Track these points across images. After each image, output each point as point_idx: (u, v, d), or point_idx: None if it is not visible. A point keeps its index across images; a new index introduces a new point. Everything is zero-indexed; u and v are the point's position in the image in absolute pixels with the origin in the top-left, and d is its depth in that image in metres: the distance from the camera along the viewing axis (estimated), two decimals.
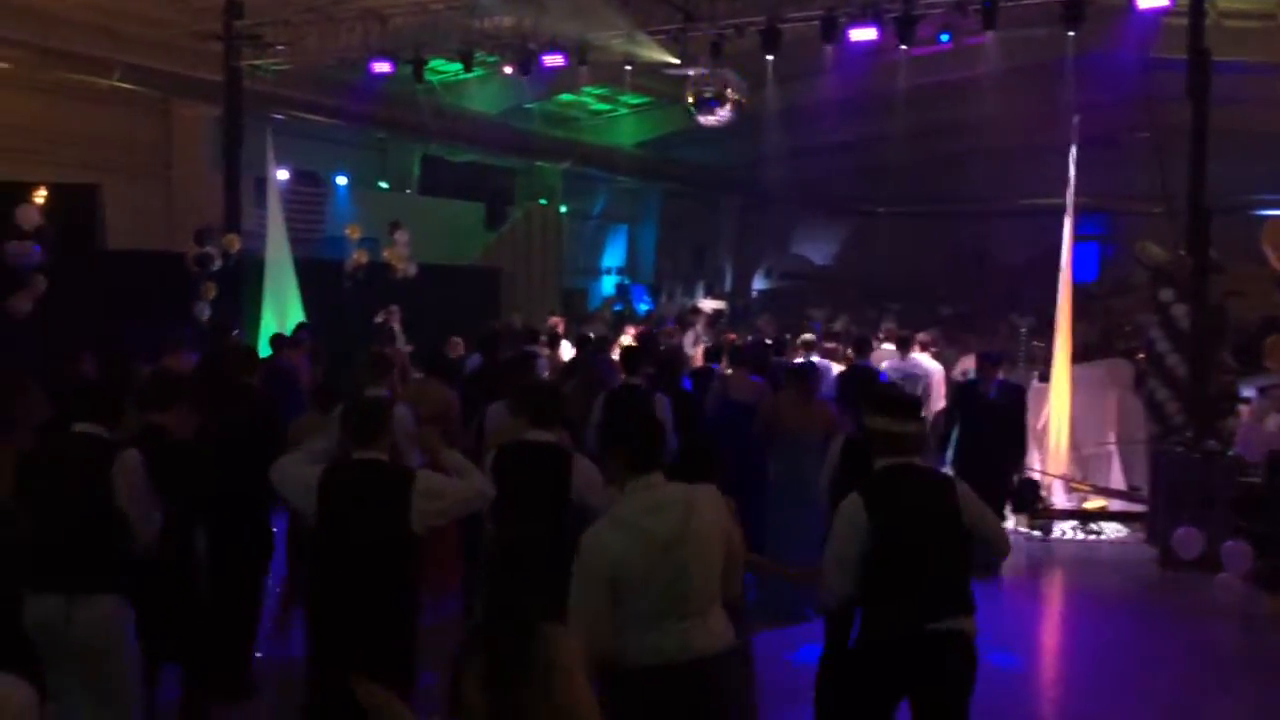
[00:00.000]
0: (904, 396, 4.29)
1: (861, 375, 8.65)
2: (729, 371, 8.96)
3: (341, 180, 18.10)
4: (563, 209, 22.31)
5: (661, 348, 9.12)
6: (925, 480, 4.08)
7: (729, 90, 12.50)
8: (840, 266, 28.11)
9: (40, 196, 10.47)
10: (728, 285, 27.67)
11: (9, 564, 3.15)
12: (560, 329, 13.16)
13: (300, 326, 10.88)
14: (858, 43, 11.22)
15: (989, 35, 11.25)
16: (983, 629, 4.04)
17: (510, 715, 2.69)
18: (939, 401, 10.52)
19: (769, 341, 11.03)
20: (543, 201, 21.63)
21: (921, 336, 11.65)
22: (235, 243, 12.26)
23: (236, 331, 10.64)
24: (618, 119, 22.28)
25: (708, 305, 22.17)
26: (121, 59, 13.88)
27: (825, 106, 17.84)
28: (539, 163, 21.90)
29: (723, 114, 12.59)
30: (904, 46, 11.24)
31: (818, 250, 29.03)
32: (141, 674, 4.26)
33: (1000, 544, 4.23)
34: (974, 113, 17.19)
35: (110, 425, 4.30)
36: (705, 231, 27.76)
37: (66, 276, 10.29)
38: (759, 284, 28.58)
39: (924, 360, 10.93)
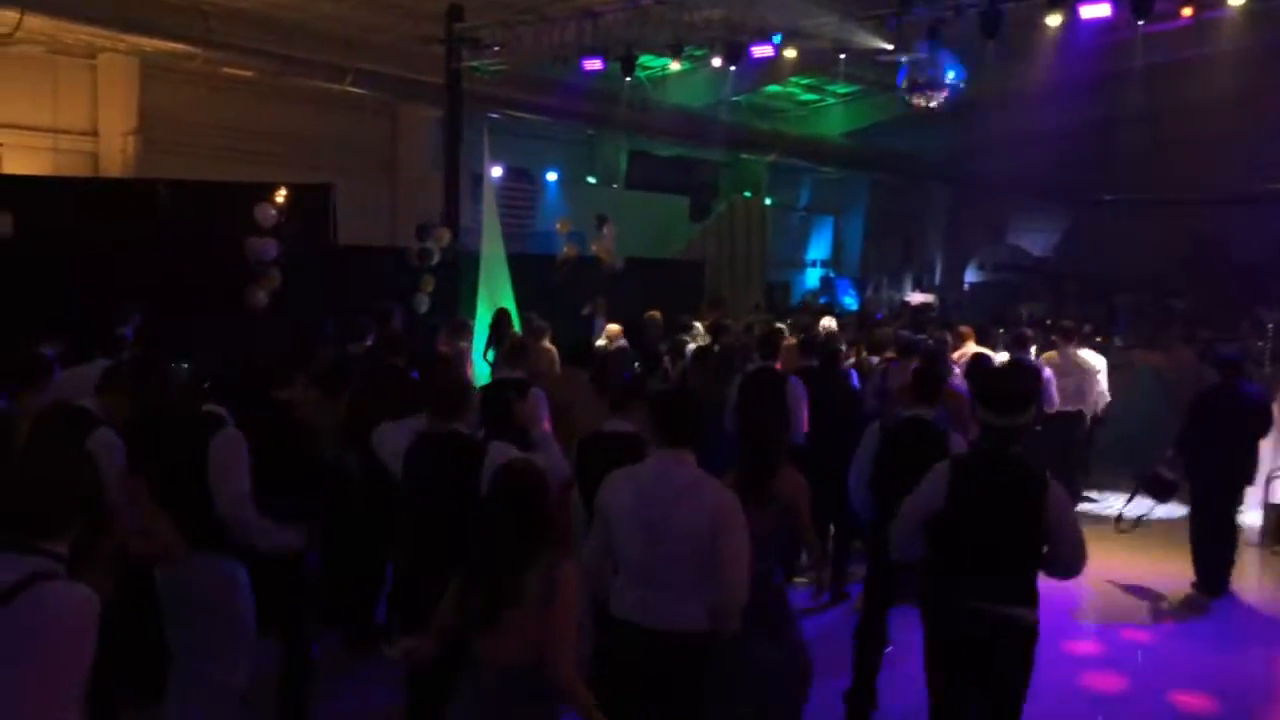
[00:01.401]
0: (1005, 391, 4.25)
1: (978, 366, 8.24)
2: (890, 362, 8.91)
3: (551, 176, 18.56)
4: (767, 201, 22.12)
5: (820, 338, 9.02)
6: (1014, 469, 4.09)
7: (945, 75, 12.04)
8: (1061, 258, 26.67)
9: (280, 196, 11.19)
10: (937, 278, 26.76)
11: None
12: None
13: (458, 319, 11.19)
14: (1087, 21, 10.56)
15: (1232, 7, 10.36)
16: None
17: (505, 626, 3.07)
18: (1094, 398, 10.10)
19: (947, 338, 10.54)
20: (747, 194, 21.52)
21: (1085, 329, 11.11)
22: (445, 236, 12.75)
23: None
24: (824, 109, 21.89)
25: (916, 298, 21.50)
26: (353, 65, 14.70)
27: (1046, 90, 16.91)
28: (744, 155, 21.79)
29: (938, 99, 12.13)
30: (1140, 22, 10.48)
31: (1035, 241, 27.65)
32: (253, 633, 4.50)
33: (1069, 562, 4.10)
34: (1213, 93, 15.92)
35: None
36: (914, 223, 26.91)
37: (300, 270, 10.97)
38: (971, 277, 27.49)
39: (1085, 355, 10.30)
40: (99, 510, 2.80)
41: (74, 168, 14.32)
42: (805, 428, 7.04)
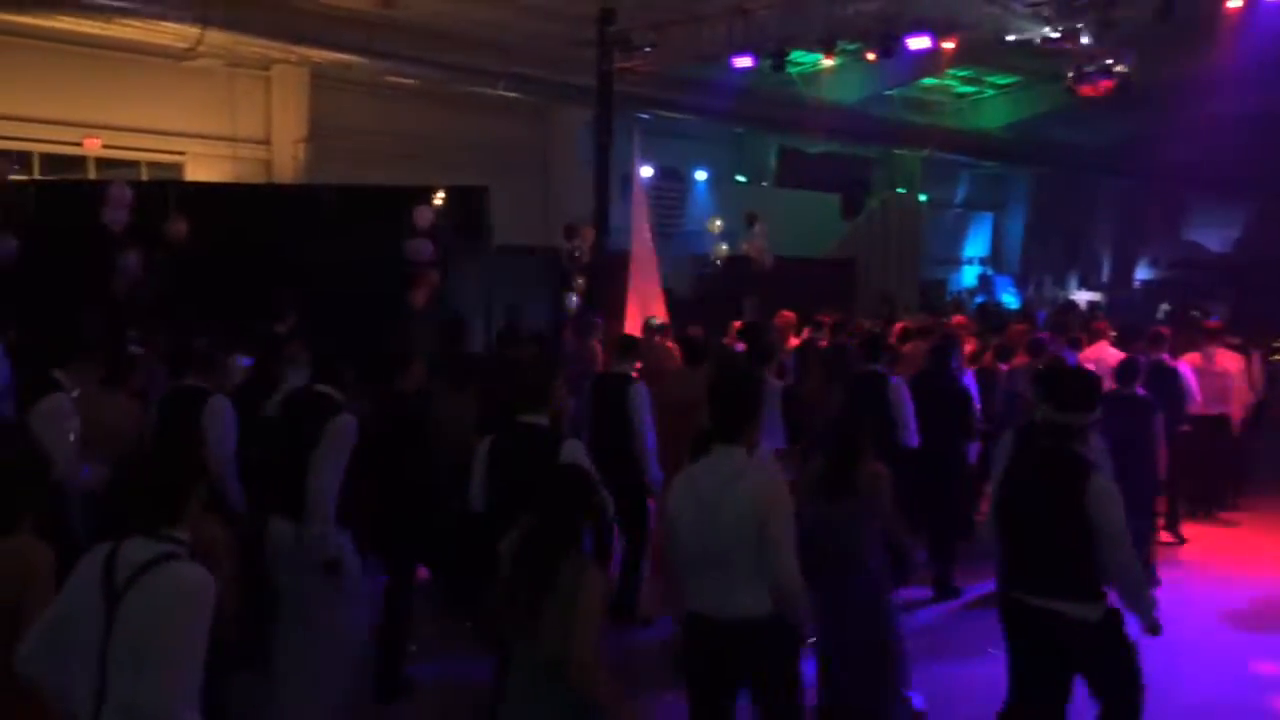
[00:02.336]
0: (1064, 389, 4.24)
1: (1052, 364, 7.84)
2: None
3: (701, 175, 18.54)
4: (922, 197, 21.56)
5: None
6: (1063, 462, 4.06)
7: (1114, 63, 11.45)
8: (1243, 253, 25.04)
9: (439, 198, 11.53)
10: (1105, 275, 25.53)
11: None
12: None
13: (585, 311, 11.27)
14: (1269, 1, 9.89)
15: None
16: None
17: (534, 619, 3.21)
18: (1231, 403, 9.44)
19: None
20: (901, 190, 21.02)
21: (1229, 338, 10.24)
22: (590, 236, 12.88)
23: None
24: (983, 101, 21.19)
25: (1082, 297, 20.56)
26: (507, 70, 15.04)
27: (1226, 75, 15.90)
28: (898, 150, 21.29)
29: (1106, 88, 11.54)
30: None
31: (1214, 236, 26.05)
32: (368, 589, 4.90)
33: (1109, 558, 3.96)
34: None
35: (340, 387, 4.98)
36: (1080, 218, 25.73)
37: (457, 271, 11.27)
38: (1142, 274, 26.12)
39: (1227, 355, 9.61)
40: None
41: (250, 175, 15.14)
42: (913, 429, 6.92)
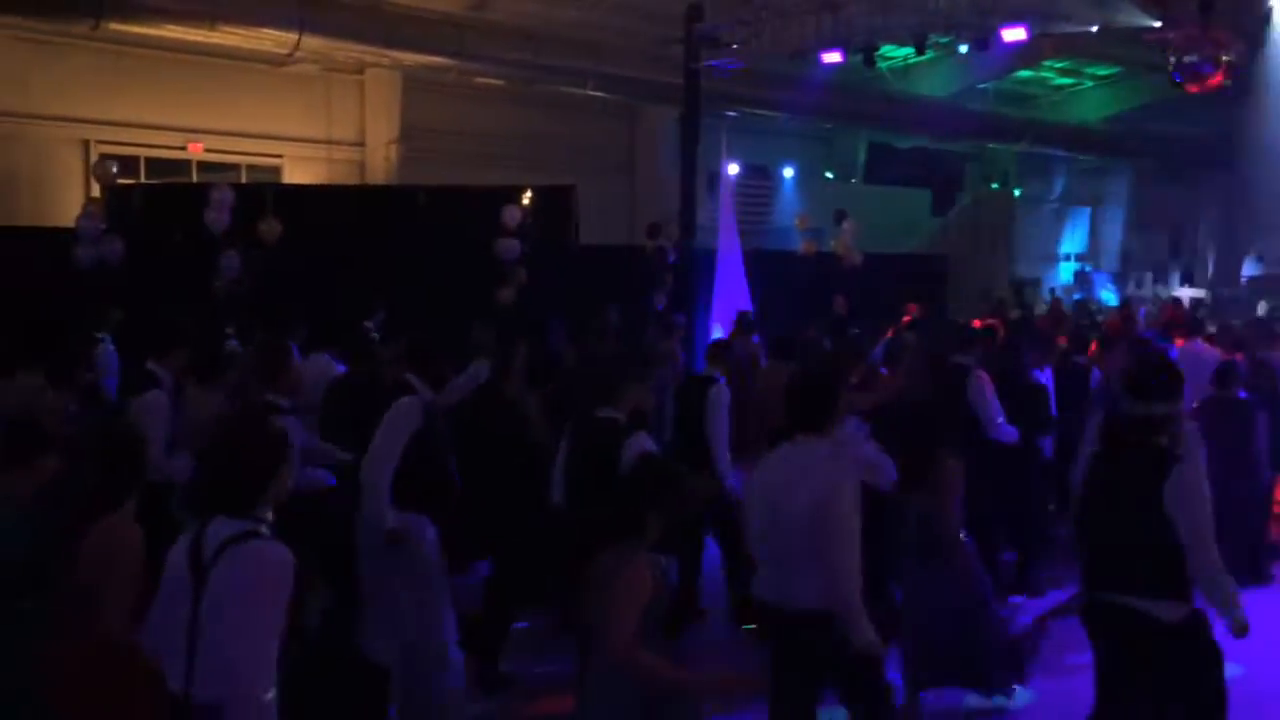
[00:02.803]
0: (1149, 378, 4.07)
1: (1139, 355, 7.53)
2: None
3: (788, 172, 18.39)
4: (1016, 192, 21.07)
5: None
6: (1145, 455, 3.90)
7: (1220, 52, 11.02)
8: None
9: (526, 198, 11.64)
10: (1209, 272, 24.61)
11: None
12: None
13: (668, 311, 11.23)
14: None
15: None
16: None
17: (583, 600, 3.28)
18: None
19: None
20: (994, 185, 20.57)
21: None
22: (675, 233, 12.87)
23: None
24: (1081, 93, 20.63)
25: (1184, 294, 19.88)
26: (594, 69, 15.12)
27: None
28: (991, 145, 20.84)
29: (1214, 85, 11.12)
30: None
31: None
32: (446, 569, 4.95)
33: (1193, 547, 3.77)
34: None
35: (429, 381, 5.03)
36: (1182, 212, 24.85)
37: (544, 269, 11.36)
38: (1250, 270, 25.10)
39: None
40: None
41: (344, 176, 15.49)
42: (999, 424, 6.72)
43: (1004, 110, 19.86)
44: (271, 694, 2.90)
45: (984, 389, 6.79)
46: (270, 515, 3.04)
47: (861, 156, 20.47)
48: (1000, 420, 6.70)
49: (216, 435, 3.14)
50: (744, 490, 4.15)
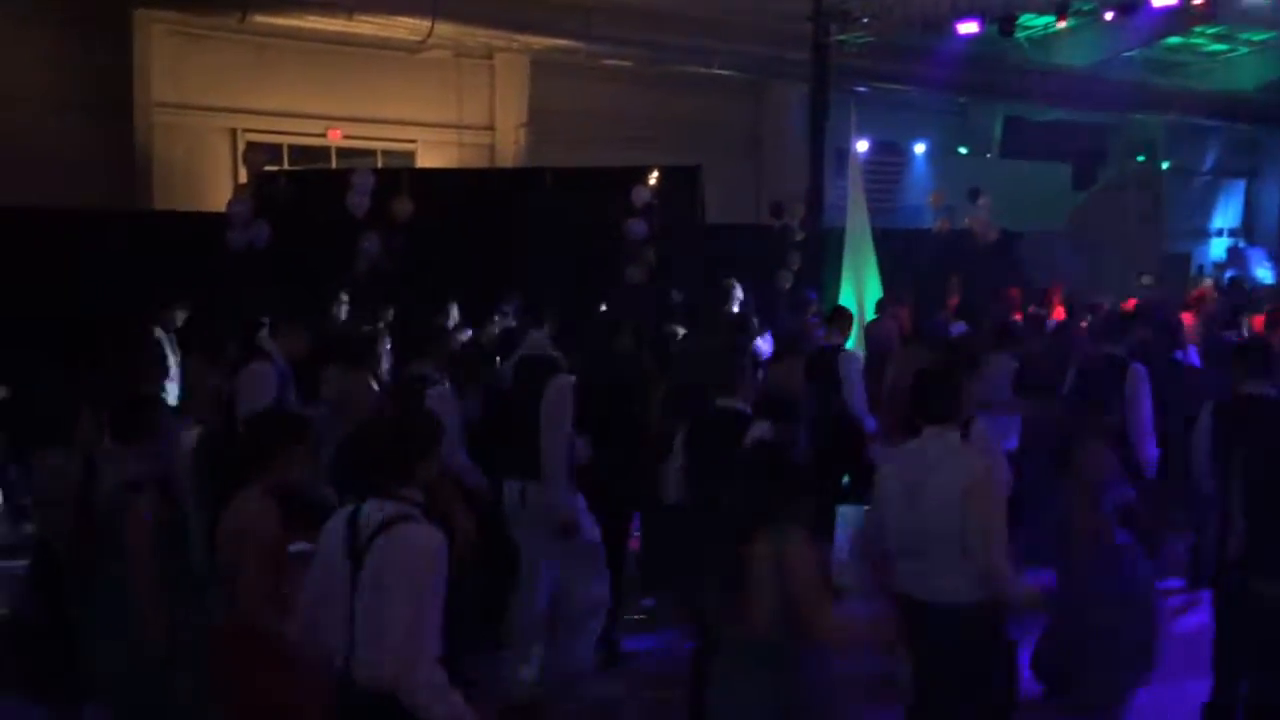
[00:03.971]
0: (1261, 358, 4.09)
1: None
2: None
3: (920, 148, 17.96)
4: (1164, 165, 20.10)
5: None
6: None
7: None
8: None
9: (653, 178, 11.68)
10: None
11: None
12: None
13: (798, 288, 11.05)
14: None
15: None
16: None
17: (738, 601, 3.19)
18: None
19: None
20: (1140, 158, 19.67)
21: None
22: (799, 211, 12.71)
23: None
24: (1236, 59, 19.49)
25: None
26: (720, 47, 15.03)
27: None
28: (1137, 116, 19.91)
29: None
30: None
31: None
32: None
33: None
34: None
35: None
36: None
37: (672, 249, 11.39)
38: None
39: None
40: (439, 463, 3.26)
41: (475, 160, 15.81)
42: (1145, 439, 6.25)
43: (1152, 79, 18.93)
44: (440, 673, 2.94)
45: (1138, 385, 6.28)
46: (421, 496, 3.09)
47: (997, 130, 19.83)
48: (1150, 437, 6.19)
49: (370, 417, 3.22)
50: (877, 484, 4.05)
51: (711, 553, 3.38)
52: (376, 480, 3.07)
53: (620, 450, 5.63)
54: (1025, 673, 5.12)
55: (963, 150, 19.47)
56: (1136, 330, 7.10)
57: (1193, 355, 7.54)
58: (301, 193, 11.33)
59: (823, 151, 13.91)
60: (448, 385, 5.18)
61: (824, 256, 12.68)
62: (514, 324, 8.27)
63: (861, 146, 14.21)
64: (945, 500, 3.72)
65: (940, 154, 18.26)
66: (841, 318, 7.01)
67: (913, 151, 17.98)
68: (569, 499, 4.87)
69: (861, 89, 15.73)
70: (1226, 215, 23.26)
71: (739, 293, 9.88)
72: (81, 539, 4.04)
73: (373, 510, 3.01)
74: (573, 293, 9.01)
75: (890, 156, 17.40)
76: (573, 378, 4.99)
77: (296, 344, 5.78)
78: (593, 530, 5.06)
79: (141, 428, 4.01)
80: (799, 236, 12.46)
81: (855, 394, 6.24)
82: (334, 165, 14.71)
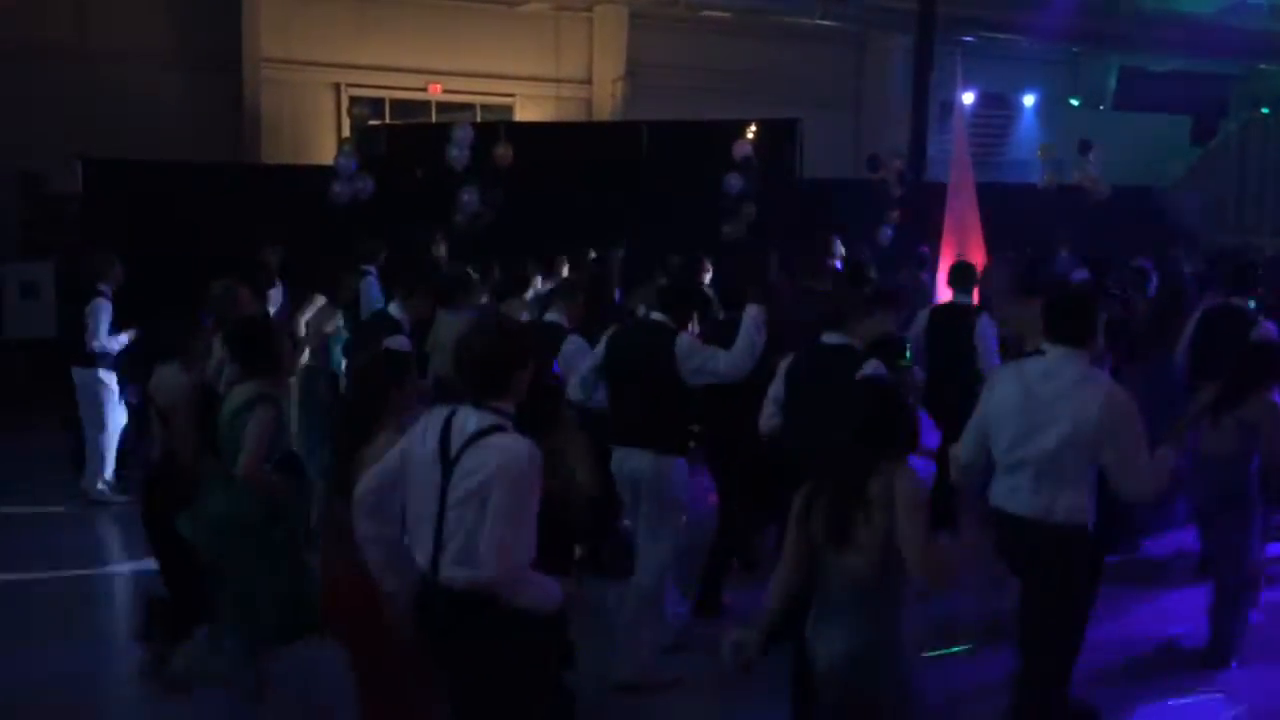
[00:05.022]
0: None
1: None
2: None
3: (1029, 99, 17.38)
4: None
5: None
6: None
7: None
8: None
9: (750, 132, 11.53)
10: None
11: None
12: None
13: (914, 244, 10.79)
14: None
15: None
16: None
17: (845, 535, 3.16)
18: None
19: None
20: (1265, 110, 18.70)
21: None
22: (898, 167, 12.42)
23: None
24: None
25: None
26: None
27: None
28: (1263, 66, 18.93)
29: None
30: None
31: None
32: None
33: None
34: None
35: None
36: None
37: (771, 204, 11.25)
38: None
39: None
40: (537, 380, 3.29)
41: (573, 114, 15.82)
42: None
43: (1275, 27, 17.94)
44: (534, 571, 3.01)
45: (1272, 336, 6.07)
46: (513, 409, 3.11)
47: (1112, 82, 19.07)
48: None
49: (466, 331, 3.25)
50: (988, 394, 4.00)
51: (819, 485, 3.34)
52: (471, 388, 3.10)
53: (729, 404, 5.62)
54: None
55: (1074, 102, 18.78)
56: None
57: None
58: (402, 146, 11.50)
59: (926, 104, 13.56)
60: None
61: (926, 210, 12.39)
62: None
63: (968, 99, 13.80)
64: (1084, 421, 3.68)
65: (1051, 106, 17.63)
66: (966, 274, 6.82)
67: (1022, 104, 17.39)
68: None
69: (968, 39, 15.27)
70: None
71: (839, 247, 9.71)
72: (201, 448, 4.38)
73: (464, 419, 3.06)
74: (672, 247, 8.96)
75: (998, 109, 16.88)
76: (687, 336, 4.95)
77: (423, 308, 6.08)
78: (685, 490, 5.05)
79: (254, 348, 4.29)
80: (897, 191, 12.18)
81: (990, 358, 6.08)
82: (434, 119, 14.89)
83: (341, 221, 9.87)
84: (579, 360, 5.25)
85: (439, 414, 3.13)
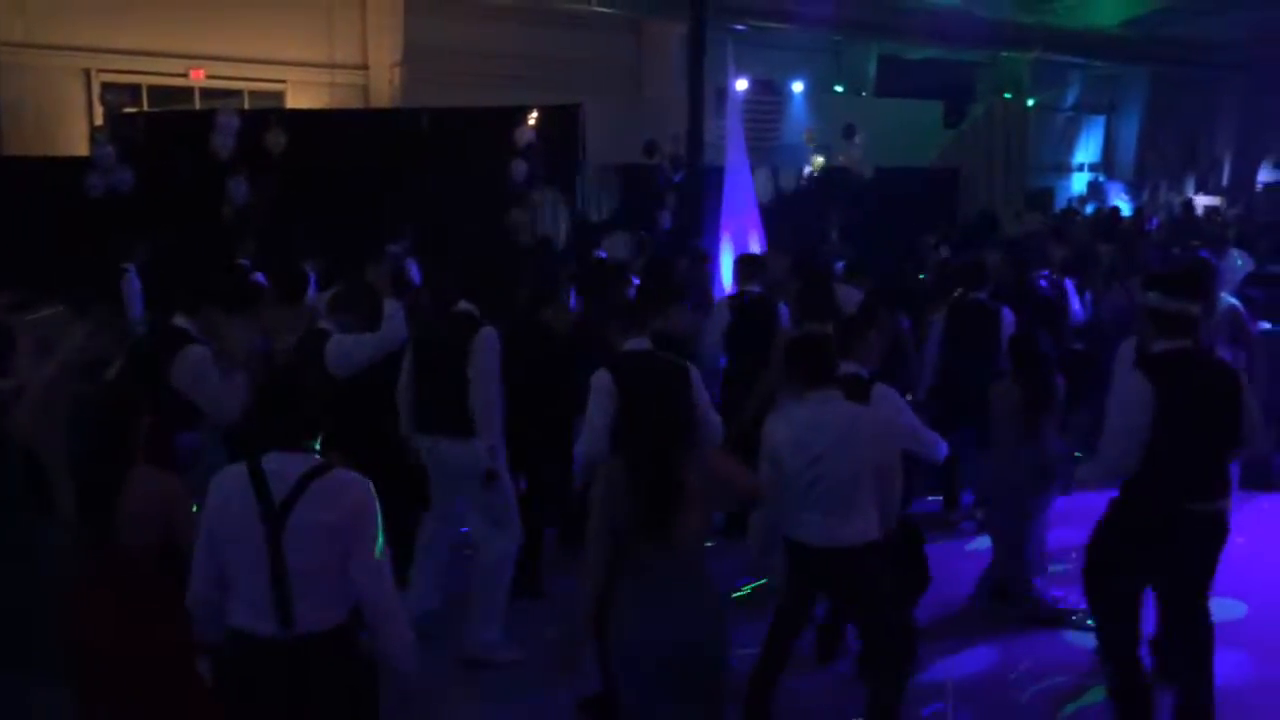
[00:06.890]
0: (1180, 272, 4.18)
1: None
2: None
3: (797, 86, 18.13)
4: (1029, 102, 20.74)
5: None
6: (1208, 362, 4.04)
7: None
8: None
9: (532, 119, 11.52)
10: (1225, 179, 24.30)
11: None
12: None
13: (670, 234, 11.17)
14: None
15: None
16: None
17: (667, 525, 3.26)
18: None
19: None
20: (1007, 95, 20.23)
21: None
22: (672, 151, 12.76)
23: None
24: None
25: (1200, 202, 19.69)
26: None
27: None
28: (1004, 53, 20.46)
29: None
30: None
31: None
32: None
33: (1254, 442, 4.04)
34: None
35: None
36: (1198, 118, 24.42)
37: (552, 191, 11.28)
38: (1266, 177, 24.78)
39: None
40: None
41: (348, 101, 15.35)
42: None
43: (1018, 17, 19.45)
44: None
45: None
46: (317, 445, 3.03)
47: (872, 69, 20.14)
48: None
49: (274, 372, 3.15)
50: (770, 438, 4.10)
51: (639, 477, 3.44)
52: (281, 433, 2.96)
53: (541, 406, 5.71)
54: None
55: (839, 89, 19.73)
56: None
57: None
58: (162, 135, 10.86)
59: (702, 90, 13.90)
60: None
61: (703, 196, 12.76)
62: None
63: (740, 85, 14.27)
64: (845, 454, 4.00)
65: (818, 92, 18.47)
66: (754, 266, 6.99)
67: (790, 90, 18.14)
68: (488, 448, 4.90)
69: (739, 27, 15.78)
70: (1088, 150, 24.19)
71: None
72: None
73: (280, 465, 2.91)
74: (452, 237, 8.88)
75: (768, 95, 17.51)
76: (494, 330, 4.95)
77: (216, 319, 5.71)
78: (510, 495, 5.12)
79: None
80: (675, 176, 12.49)
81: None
82: (198, 106, 14.12)
83: (98, 217, 9.26)
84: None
85: (234, 467, 2.98)
